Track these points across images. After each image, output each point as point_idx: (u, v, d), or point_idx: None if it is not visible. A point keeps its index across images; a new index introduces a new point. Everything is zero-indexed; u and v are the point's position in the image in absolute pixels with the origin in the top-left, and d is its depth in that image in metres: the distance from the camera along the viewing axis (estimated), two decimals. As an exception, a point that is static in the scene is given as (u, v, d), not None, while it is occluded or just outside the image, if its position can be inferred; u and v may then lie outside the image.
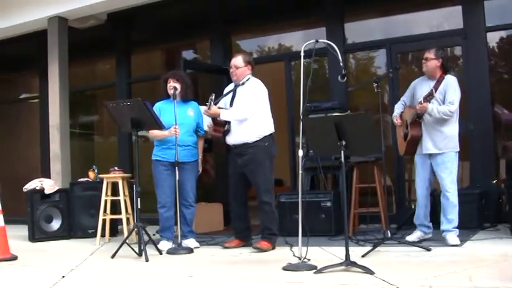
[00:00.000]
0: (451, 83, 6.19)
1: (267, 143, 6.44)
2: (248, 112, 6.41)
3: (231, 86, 6.82)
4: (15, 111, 12.26)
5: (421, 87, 6.36)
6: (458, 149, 6.23)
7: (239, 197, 6.66)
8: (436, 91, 6.11)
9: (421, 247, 5.90)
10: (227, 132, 6.57)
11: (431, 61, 6.30)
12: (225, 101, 6.75)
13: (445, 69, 6.33)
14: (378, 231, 7.09)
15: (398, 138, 6.68)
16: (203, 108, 6.65)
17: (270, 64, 9.33)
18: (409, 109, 6.42)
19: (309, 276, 4.81)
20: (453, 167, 6.18)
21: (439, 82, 6.22)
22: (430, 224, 6.43)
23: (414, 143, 6.35)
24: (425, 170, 6.34)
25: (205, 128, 6.92)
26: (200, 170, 7.00)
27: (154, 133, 6.73)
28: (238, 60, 6.66)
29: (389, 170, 7.94)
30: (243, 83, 6.63)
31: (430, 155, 6.27)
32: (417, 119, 6.29)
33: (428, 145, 6.26)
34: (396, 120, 6.56)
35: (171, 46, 10.77)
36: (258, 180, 6.44)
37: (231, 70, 6.68)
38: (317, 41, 5.77)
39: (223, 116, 6.47)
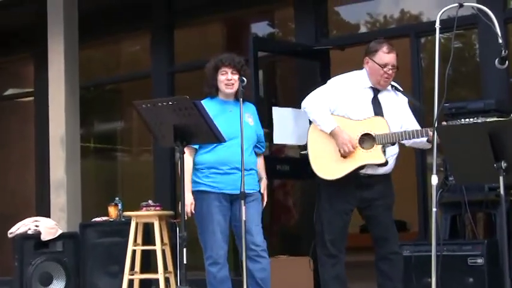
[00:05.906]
0: None
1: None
2: None
3: (364, 90, 6.68)
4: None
5: None
6: None
7: (344, 248, 6.70)
8: None
9: None
10: None
11: None
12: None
13: None
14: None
15: None
16: None
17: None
18: None
19: None
20: None
21: None
22: None
23: None
24: None
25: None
26: (264, 202, 6.94)
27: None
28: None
29: None
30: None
31: None
32: None
33: None
34: None
35: (234, 16, 10.97)
36: (392, 223, 6.59)
37: (388, 71, 6.50)
38: (461, 5, 5.73)
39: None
